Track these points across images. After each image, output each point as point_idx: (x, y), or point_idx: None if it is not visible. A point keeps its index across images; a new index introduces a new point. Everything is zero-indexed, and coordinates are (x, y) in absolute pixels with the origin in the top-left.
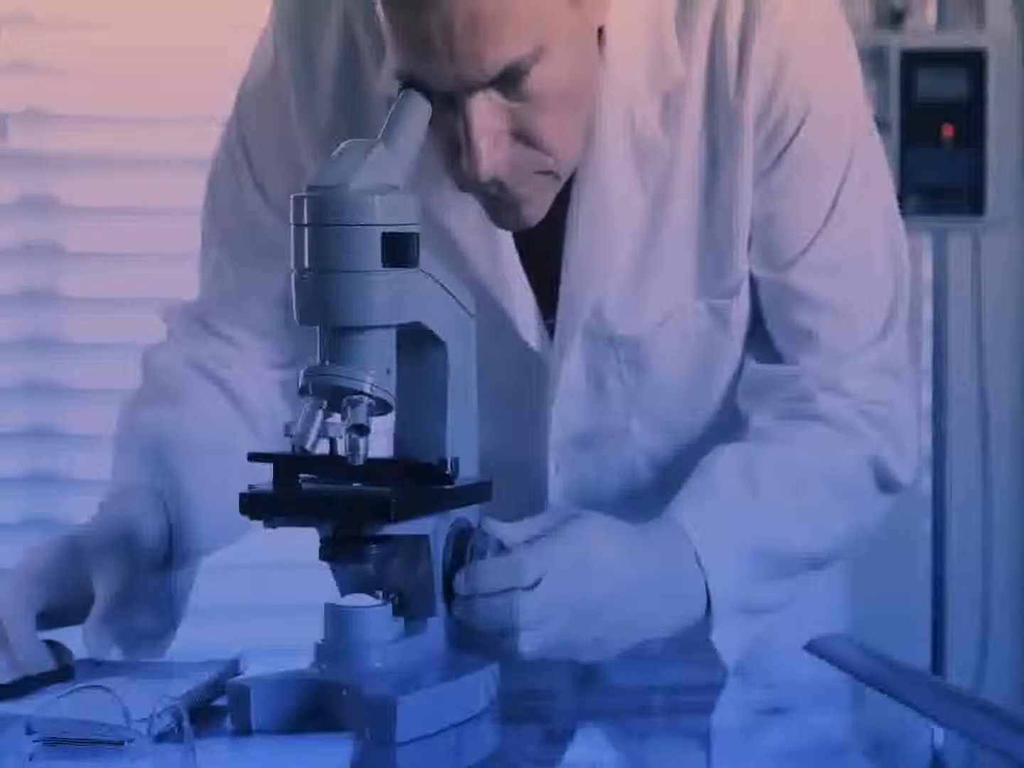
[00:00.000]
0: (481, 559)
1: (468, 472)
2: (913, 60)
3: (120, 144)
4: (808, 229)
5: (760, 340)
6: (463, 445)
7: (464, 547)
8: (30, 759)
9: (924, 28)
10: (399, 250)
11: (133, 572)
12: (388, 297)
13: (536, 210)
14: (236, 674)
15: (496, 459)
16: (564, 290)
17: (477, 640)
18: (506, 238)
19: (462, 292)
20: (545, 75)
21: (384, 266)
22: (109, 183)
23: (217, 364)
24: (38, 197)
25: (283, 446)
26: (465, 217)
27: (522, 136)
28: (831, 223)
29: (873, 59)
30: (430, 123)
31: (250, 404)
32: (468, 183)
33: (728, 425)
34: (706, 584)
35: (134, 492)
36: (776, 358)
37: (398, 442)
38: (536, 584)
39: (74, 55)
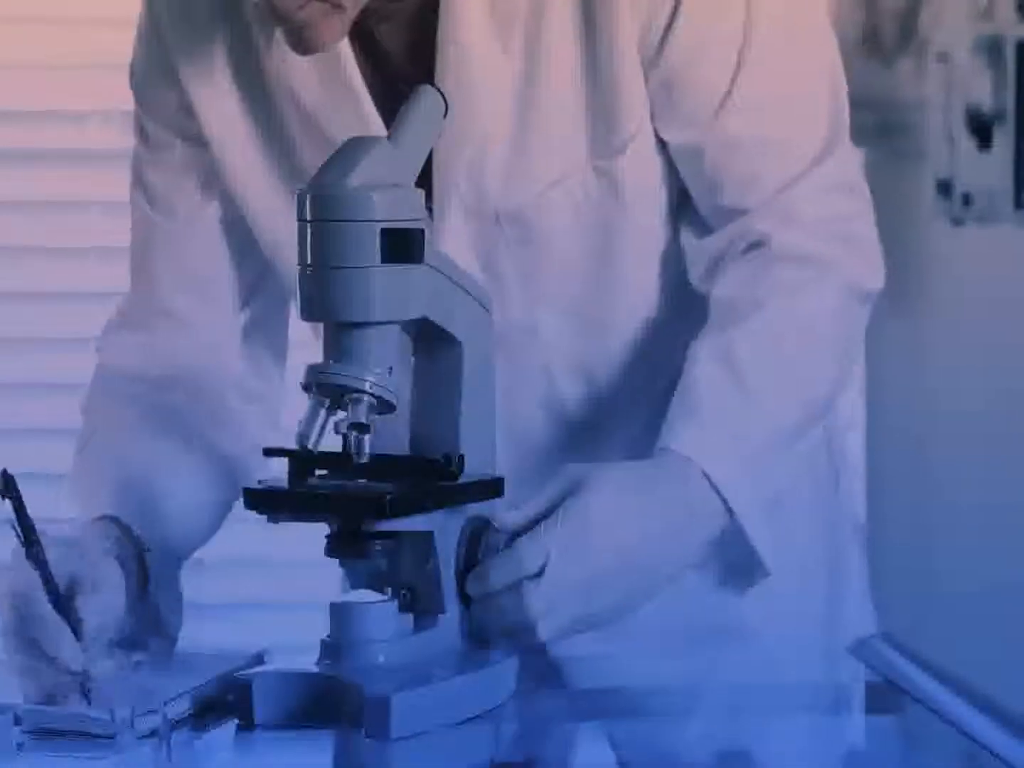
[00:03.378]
0: (493, 555)
1: (485, 469)
2: None
3: None
4: (725, 71)
5: (696, 217)
6: (479, 442)
7: (479, 544)
8: (18, 748)
9: None
10: (399, 246)
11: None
12: (388, 293)
13: (318, 36)
14: None
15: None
16: (437, 163)
17: (496, 636)
18: (377, 123)
19: (477, 288)
20: None
21: (383, 262)
22: None
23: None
24: None
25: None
26: (333, 105)
27: None
28: (749, 61)
29: (989, 50)
30: None
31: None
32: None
33: (651, 329)
34: (724, 501)
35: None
36: (725, 219)
37: (413, 438)
38: (541, 571)
39: None
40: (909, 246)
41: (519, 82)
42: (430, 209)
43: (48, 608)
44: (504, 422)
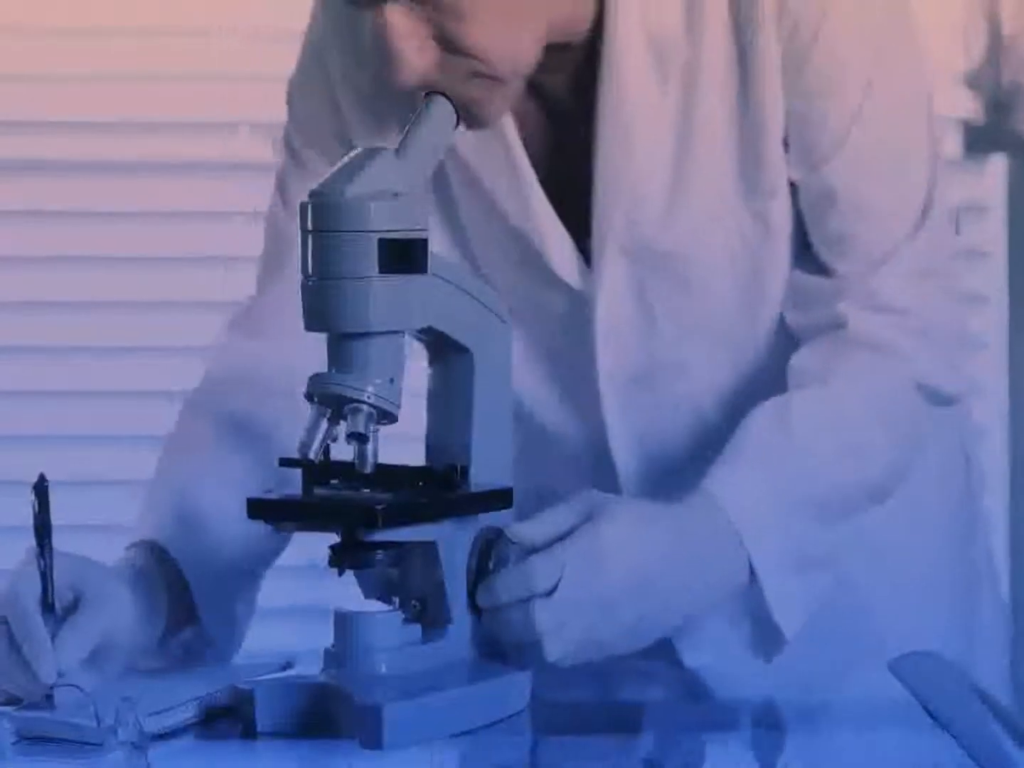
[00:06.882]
0: (504, 566)
1: (500, 479)
2: None
3: None
4: (839, 125)
5: (804, 251)
6: (493, 452)
7: (491, 554)
8: (10, 751)
9: None
10: (399, 256)
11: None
12: (387, 303)
13: (488, 110)
14: None
15: (554, 413)
16: (596, 206)
17: (505, 651)
18: (529, 173)
19: (492, 298)
20: None
21: (382, 272)
22: None
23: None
24: None
25: None
26: (490, 158)
27: (444, 42)
28: (863, 119)
29: None
30: (367, 25)
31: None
32: (398, 87)
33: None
34: (741, 541)
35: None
36: (820, 269)
37: (428, 448)
38: (553, 590)
39: None
40: None
41: (676, 122)
42: (587, 249)
43: (37, 617)
44: (650, 455)
